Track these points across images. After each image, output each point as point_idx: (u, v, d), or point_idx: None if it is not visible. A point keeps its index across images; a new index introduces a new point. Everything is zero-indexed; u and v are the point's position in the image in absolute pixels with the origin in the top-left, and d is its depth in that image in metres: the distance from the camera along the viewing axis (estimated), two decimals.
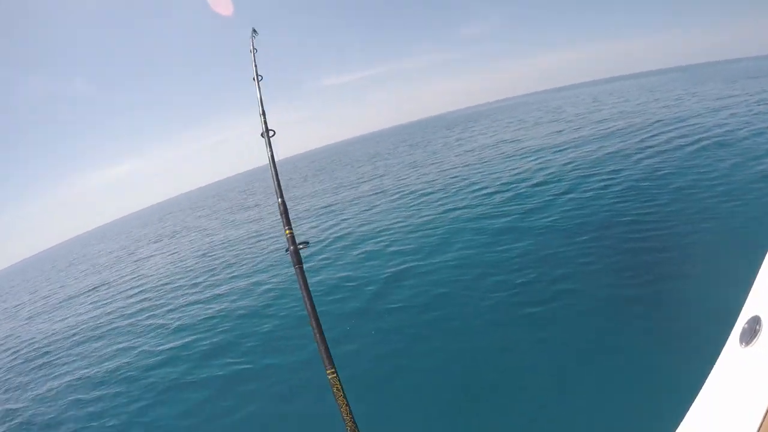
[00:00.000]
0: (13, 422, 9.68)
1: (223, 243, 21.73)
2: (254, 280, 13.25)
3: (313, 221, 19.55)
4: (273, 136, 3.15)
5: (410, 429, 5.54)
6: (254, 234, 21.48)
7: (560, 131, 25.56)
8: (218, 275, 15.45)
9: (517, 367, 6.06)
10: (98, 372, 10.51)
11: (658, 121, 20.80)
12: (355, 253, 12.99)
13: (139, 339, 11.77)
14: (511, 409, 5.34)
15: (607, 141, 18.68)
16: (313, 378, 7.05)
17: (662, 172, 12.43)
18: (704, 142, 14.45)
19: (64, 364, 11.97)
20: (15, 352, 15.56)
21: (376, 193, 21.94)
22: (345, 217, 18.41)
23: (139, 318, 13.71)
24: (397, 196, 19.72)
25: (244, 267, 15.35)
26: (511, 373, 6.00)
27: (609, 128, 21.96)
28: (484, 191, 15.65)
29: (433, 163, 27.27)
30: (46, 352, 13.83)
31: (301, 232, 17.38)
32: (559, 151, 19.15)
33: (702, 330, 5.29)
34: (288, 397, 6.96)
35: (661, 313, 6.35)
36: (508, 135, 30.85)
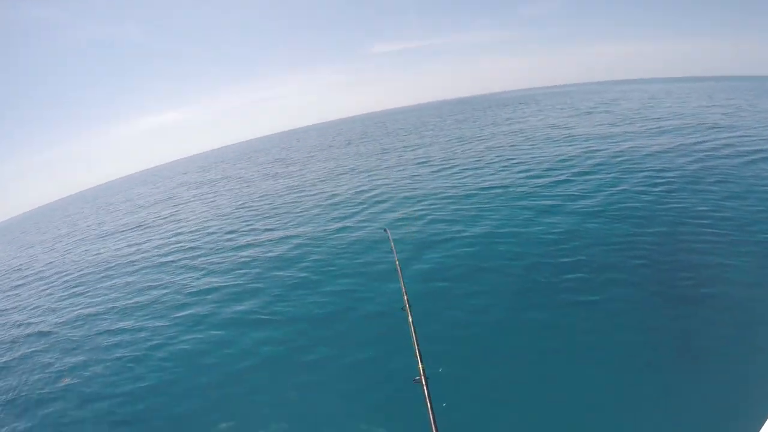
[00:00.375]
0: (45, 343, 10.67)
1: (261, 195, 22.73)
2: (288, 233, 13.91)
3: (354, 180, 20.29)
4: None
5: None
6: (293, 189, 22.37)
7: (613, 123, 25.18)
8: (254, 225, 16.31)
9: (565, 360, 6.02)
10: (127, 304, 11.50)
11: (712, 127, 20.28)
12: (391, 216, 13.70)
13: (171, 277, 12.66)
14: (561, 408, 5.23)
15: (659, 139, 18.42)
16: (328, 335, 7.54)
17: (713, 178, 12.16)
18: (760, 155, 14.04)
19: (95, 296, 12.99)
20: (49, 282, 16.90)
21: (420, 163, 22.40)
22: (385, 182, 19.05)
23: (171, 259, 14.58)
24: (440, 167, 20.14)
25: (280, 220, 16.12)
26: (557, 363, 5.98)
27: (661, 127, 21.54)
28: (530, 173, 15.86)
29: (480, 139, 27.46)
30: (80, 283, 14.99)
31: (340, 191, 18.10)
32: (610, 142, 19.01)
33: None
34: (307, 348, 7.34)
35: (713, 315, 6.36)
36: (560, 121, 30.55)
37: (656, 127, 21.46)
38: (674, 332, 6.25)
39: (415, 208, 13.95)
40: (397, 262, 4.63)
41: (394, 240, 5.86)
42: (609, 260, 8.37)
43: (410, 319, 3.56)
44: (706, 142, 16.82)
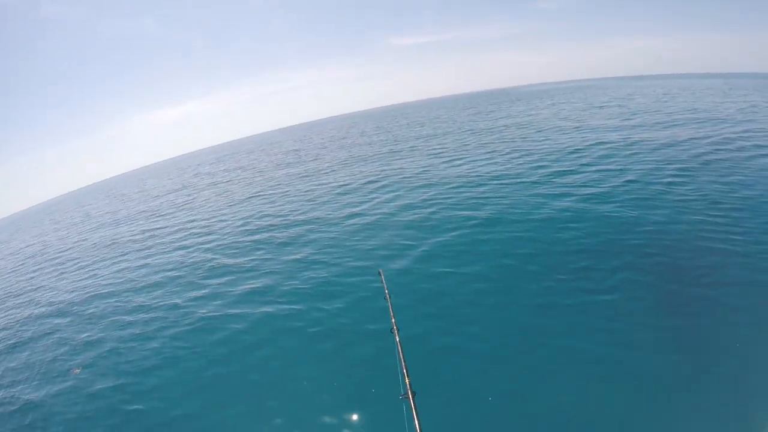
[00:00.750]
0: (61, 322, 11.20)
1: (273, 186, 23.20)
2: (305, 227, 14.03)
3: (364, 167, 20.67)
4: None
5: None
6: (304, 179, 22.87)
7: (626, 119, 25.04)
8: (269, 216, 16.63)
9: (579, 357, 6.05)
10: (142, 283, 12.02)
11: (723, 121, 20.15)
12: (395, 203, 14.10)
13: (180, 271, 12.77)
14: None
15: (673, 136, 18.17)
16: (344, 327, 7.68)
17: (730, 177, 11.91)
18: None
19: (108, 284, 13.20)
20: (60, 264, 17.63)
21: (432, 155, 22.70)
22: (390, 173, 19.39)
23: (184, 251, 14.73)
24: (452, 157, 20.47)
25: (293, 211, 16.38)
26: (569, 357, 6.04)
27: (675, 122, 21.36)
28: (539, 164, 16.08)
29: (492, 131, 27.67)
30: (93, 269, 15.47)
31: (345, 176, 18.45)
32: (623, 138, 18.85)
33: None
34: (322, 338, 7.52)
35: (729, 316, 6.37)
36: (573, 115, 30.56)
37: (670, 122, 21.41)
38: (685, 321, 6.42)
39: (423, 197, 14.33)
40: (387, 296, 4.81)
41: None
42: (626, 260, 8.34)
43: (397, 339, 3.86)
44: (715, 135, 16.82)
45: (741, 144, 15.04)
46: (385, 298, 4.78)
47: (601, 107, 33.37)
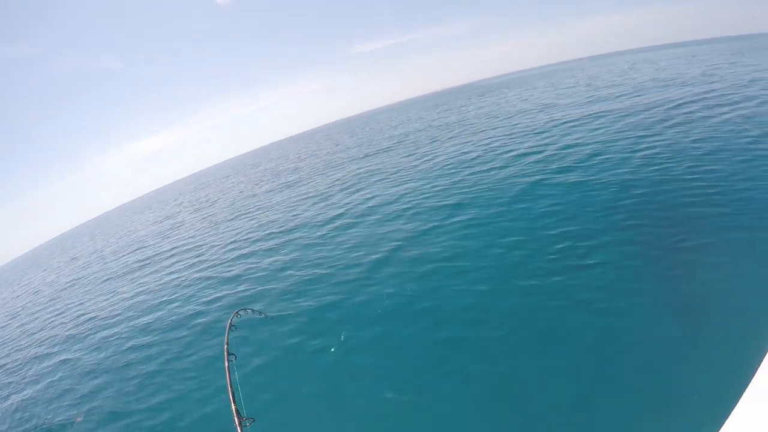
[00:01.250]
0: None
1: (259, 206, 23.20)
2: (292, 236, 14.29)
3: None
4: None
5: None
6: (290, 197, 22.73)
7: (593, 97, 25.38)
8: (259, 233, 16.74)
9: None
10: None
11: (688, 87, 20.57)
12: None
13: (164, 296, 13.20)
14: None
15: (638, 109, 18.32)
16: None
17: (691, 138, 12.41)
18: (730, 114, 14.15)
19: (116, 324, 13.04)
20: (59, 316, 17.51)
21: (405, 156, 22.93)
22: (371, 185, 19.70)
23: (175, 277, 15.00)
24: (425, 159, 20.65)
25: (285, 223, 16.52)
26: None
27: (642, 96, 21.30)
28: (512, 153, 16.14)
29: (462, 127, 27.88)
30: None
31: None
32: (589, 116, 19.05)
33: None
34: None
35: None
36: (541, 100, 30.88)
37: (638, 97, 21.51)
38: (668, 281, 6.64)
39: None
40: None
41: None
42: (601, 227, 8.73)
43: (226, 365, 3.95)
44: (682, 100, 17.23)
45: (704, 104, 15.46)
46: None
47: (569, 88, 33.89)
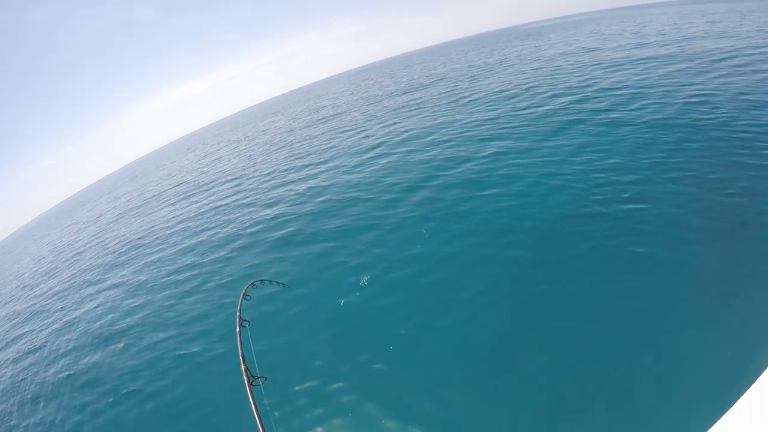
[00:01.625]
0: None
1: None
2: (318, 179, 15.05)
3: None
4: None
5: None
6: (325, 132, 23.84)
7: (640, 45, 24.19)
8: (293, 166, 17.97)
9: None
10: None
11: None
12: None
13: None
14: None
15: (686, 61, 17.32)
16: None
17: (747, 96, 11.51)
18: None
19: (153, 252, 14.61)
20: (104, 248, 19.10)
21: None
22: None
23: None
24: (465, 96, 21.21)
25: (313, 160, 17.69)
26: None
27: (690, 49, 20.00)
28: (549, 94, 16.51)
29: (505, 69, 27.89)
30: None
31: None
32: (638, 63, 18.58)
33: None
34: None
35: None
36: (586, 45, 30.16)
37: (686, 48, 20.45)
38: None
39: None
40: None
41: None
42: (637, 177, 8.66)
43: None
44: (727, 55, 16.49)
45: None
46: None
47: (618, 35, 32.93)
